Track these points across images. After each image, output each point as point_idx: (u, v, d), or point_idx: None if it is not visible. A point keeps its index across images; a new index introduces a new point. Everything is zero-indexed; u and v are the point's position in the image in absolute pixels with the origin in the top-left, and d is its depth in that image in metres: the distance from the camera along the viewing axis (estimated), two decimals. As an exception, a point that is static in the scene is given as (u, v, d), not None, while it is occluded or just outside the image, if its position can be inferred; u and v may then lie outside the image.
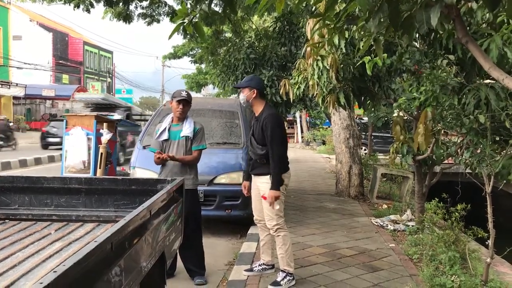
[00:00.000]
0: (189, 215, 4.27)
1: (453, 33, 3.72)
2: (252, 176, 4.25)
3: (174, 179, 3.40)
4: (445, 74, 4.24)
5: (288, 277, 4.00)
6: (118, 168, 7.78)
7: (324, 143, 23.85)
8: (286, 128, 28.01)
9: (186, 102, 4.34)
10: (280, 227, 4.03)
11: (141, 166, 6.15)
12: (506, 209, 11.36)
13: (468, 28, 3.78)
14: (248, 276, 4.27)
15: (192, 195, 4.34)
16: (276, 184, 3.91)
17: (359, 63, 4.84)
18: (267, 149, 3.99)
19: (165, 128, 4.41)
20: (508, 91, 3.51)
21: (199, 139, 4.40)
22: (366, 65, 4.58)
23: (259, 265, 4.38)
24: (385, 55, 4.89)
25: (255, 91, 4.07)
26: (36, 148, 18.18)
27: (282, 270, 4.05)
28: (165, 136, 4.38)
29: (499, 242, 4.17)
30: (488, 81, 3.88)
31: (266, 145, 3.99)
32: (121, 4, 10.12)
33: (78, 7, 9.26)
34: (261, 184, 4.09)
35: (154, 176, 5.63)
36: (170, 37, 2.98)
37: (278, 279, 4.01)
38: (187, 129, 4.36)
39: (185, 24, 2.60)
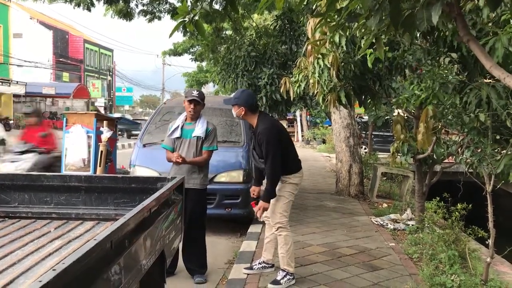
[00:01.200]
0: (194, 215, 4.27)
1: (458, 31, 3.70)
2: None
3: (174, 177, 3.39)
4: (445, 71, 4.22)
5: (288, 276, 4.00)
6: (118, 166, 7.77)
7: (324, 141, 23.83)
8: (287, 127, 28.01)
9: (196, 101, 4.33)
10: (282, 227, 4.04)
11: (141, 164, 6.15)
12: (506, 209, 11.37)
13: (473, 26, 3.77)
14: (247, 274, 4.27)
15: (199, 194, 4.34)
16: (266, 198, 3.97)
17: (359, 56, 4.80)
18: None
19: (178, 126, 4.41)
20: (509, 90, 3.49)
21: (211, 140, 4.40)
22: (368, 58, 4.54)
23: (259, 263, 4.38)
24: (387, 47, 4.85)
25: (244, 109, 4.05)
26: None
27: (282, 269, 4.05)
28: (177, 134, 4.39)
29: (499, 241, 4.17)
30: (489, 80, 3.87)
31: None
32: (121, 1, 10.11)
33: (79, 6, 9.25)
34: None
35: (154, 174, 5.64)
36: (171, 35, 2.97)
37: (278, 277, 4.01)
38: (199, 129, 4.36)
39: (185, 22, 2.59)
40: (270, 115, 7.93)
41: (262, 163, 4.05)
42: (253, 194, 4.43)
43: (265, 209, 4.00)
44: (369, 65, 4.54)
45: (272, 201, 4.04)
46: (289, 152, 4.12)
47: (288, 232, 4.07)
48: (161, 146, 4.61)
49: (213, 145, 4.43)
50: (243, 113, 4.06)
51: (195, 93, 4.38)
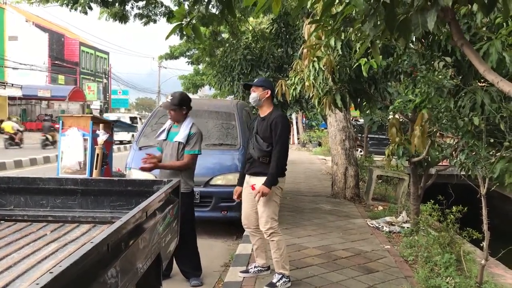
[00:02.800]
0: (184, 217, 4.27)
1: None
2: (247, 176, 4.20)
3: (170, 180, 3.39)
4: (440, 76, 4.26)
5: (284, 279, 4.00)
6: (114, 169, 7.75)
7: (320, 144, 23.89)
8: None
9: (171, 108, 4.24)
10: (274, 231, 4.00)
11: (137, 167, 6.12)
12: (501, 211, 11.42)
13: (468, 30, 3.81)
14: (243, 277, 4.27)
15: (187, 197, 4.33)
16: (270, 182, 3.88)
17: (355, 65, 4.85)
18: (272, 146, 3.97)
19: (165, 128, 4.42)
20: (503, 94, 3.53)
21: (192, 143, 4.26)
22: (362, 67, 4.59)
23: (255, 266, 4.38)
24: (380, 56, 4.89)
25: (269, 92, 4.12)
26: (31, 148, 18.11)
27: (278, 272, 4.05)
28: (163, 136, 4.39)
29: (493, 244, 4.19)
30: (483, 84, 3.90)
31: (272, 143, 3.97)
32: (117, 4, 10.10)
33: (76, 9, 9.23)
34: (260, 183, 3.96)
35: (150, 177, 5.62)
36: (167, 38, 2.99)
37: (274, 280, 4.02)
38: (181, 134, 4.26)
39: (183, 26, 2.60)
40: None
41: (265, 146, 3.97)
42: (236, 195, 4.38)
43: (264, 194, 3.88)
44: (364, 73, 4.57)
45: (261, 207, 3.98)
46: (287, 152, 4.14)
47: (280, 236, 4.05)
48: (157, 149, 4.61)
49: (194, 149, 4.27)
50: (267, 95, 4.11)
51: (168, 98, 4.29)
